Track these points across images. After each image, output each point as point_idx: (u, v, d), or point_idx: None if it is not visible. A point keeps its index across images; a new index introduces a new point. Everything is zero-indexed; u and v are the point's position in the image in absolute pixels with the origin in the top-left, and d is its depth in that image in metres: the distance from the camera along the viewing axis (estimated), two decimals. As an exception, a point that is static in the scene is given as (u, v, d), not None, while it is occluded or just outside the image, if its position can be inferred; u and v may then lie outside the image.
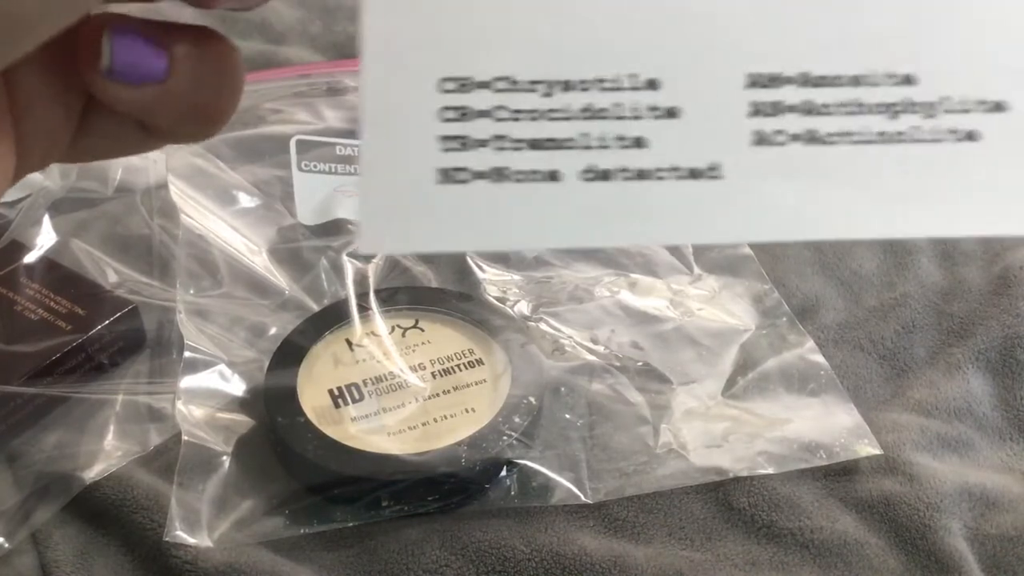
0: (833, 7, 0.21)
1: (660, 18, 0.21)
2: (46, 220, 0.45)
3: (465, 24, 0.20)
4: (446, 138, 0.20)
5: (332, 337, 0.40)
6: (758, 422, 0.38)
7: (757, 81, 0.21)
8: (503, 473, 0.36)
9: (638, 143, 0.20)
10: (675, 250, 0.46)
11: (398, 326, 0.41)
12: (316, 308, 0.42)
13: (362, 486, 0.35)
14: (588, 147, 0.20)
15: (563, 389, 0.39)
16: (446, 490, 0.35)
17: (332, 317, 0.41)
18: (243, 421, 0.38)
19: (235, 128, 0.51)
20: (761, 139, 0.20)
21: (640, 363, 0.41)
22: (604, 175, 0.20)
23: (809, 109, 0.21)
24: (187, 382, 0.38)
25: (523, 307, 0.43)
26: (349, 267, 0.43)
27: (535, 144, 0.20)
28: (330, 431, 0.36)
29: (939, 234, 0.21)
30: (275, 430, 0.36)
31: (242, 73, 0.22)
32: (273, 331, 0.41)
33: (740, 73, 0.21)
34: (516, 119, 0.20)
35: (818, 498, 0.36)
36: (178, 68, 0.20)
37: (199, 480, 0.35)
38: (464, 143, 0.20)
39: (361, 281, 0.43)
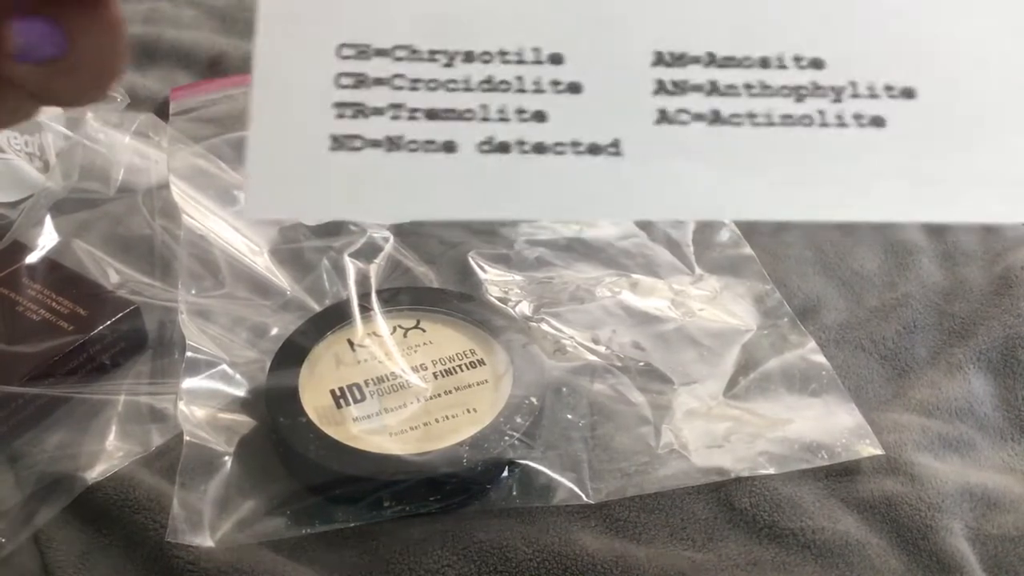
0: None
1: None
2: (48, 221, 0.45)
3: None
4: (341, 105, 0.20)
5: (334, 337, 0.40)
6: (760, 422, 0.38)
7: (663, 59, 0.21)
8: (505, 473, 0.36)
9: (538, 117, 0.20)
10: (676, 250, 0.46)
11: (400, 326, 0.41)
12: (318, 308, 0.42)
13: (364, 486, 0.35)
14: (487, 119, 0.20)
15: (565, 389, 0.39)
16: (448, 490, 0.35)
17: (334, 317, 0.41)
18: (245, 421, 0.38)
19: (236, 128, 0.51)
20: (664, 117, 0.20)
21: (641, 363, 0.41)
22: (502, 147, 0.20)
23: (714, 89, 0.21)
24: (189, 383, 0.38)
25: (524, 307, 0.43)
26: (351, 267, 0.43)
27: (432, 114, 0.20)
28: (332, 431, 0.36)
29: (838, 220, 0.21)
30: (277, 430, 0.36)
31: (127, 32, 0.22)
32: (275, 331, 0.41)
33: (646, 51, 0.21)
34: (414, 88, 0.20)
35: (820, 498, 0.36)
36: (76, 41, 0.21)
37: (201, 481, 0.35)
38: (359, 110, 0.20)
39: (363, 281, 0.43)
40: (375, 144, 0.20)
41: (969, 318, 0.43)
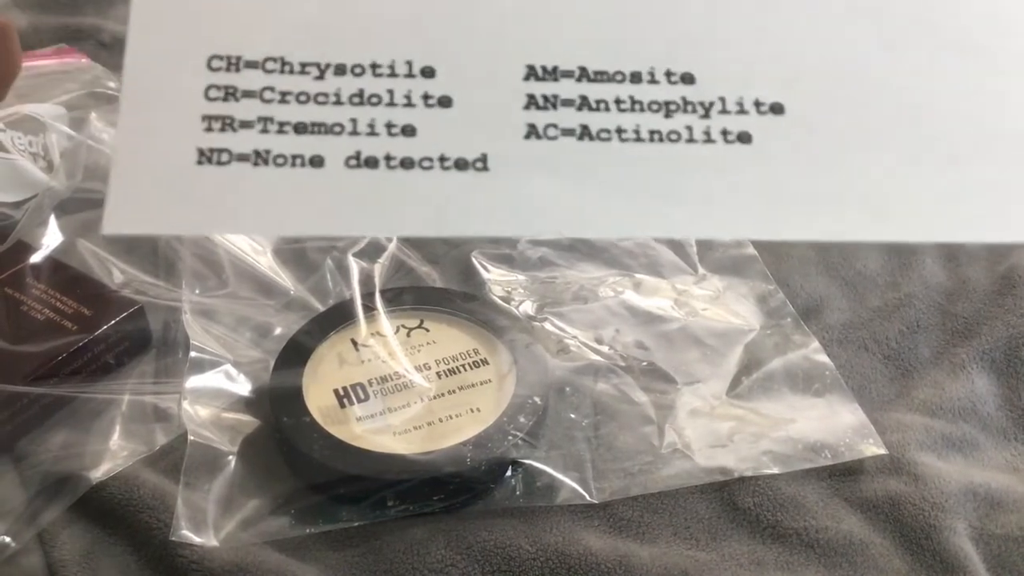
0: (615, 3, 0.21)
1: (441, 6, 0.20)
2: (52, 220, 0.45)
3: (238, 2, 0.20)
4: (209, 117, 0.19)
5: (337, 337, 0.40)
6: (763, 422, 0.38)
7: (535, 73, 0.20)
8: (508, 473, 0.36)
9: (407, 131, 0.20)
10: (679, 250, 0.46)
11: (403, 326, 0.41)
12: (321, 308, 0.42)
13: (367, 486, 0.35)
14: (356, 133, 0.20)
15: (568, 389, 0.39)
16: (451, 490, 0.35)
17: (337, 317, 0.41)
18: (249, 421, 0.38)
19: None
20: (534, 132, 0.20)
21: (645, 363, 0.41)
22: (369, 162, 0.20)
23: (584, 104, 0.20)
24: (193, 382, 0.38)
25: (528, 307, 0.43)
26: (354, 267, 0.44)
27: (301, 128, 0.20)
28: (335, 431, 0.36)
29: (705, 236, 0.21)
30: (281, 430, 0.36)
31: (16, 40, 0.22)
32: (278, 331, 0.41)
33: (519, 64, 0.20)
34: (284, 101, 0.20)
35: (823, 498, 0.36)
36: None
37: (205, 480, 0.35)
38: (228, 123, 0.19)
39: (366, 281, 0.43)
40: (243, 158, 0.19)
41: (972, 318, 0.43)
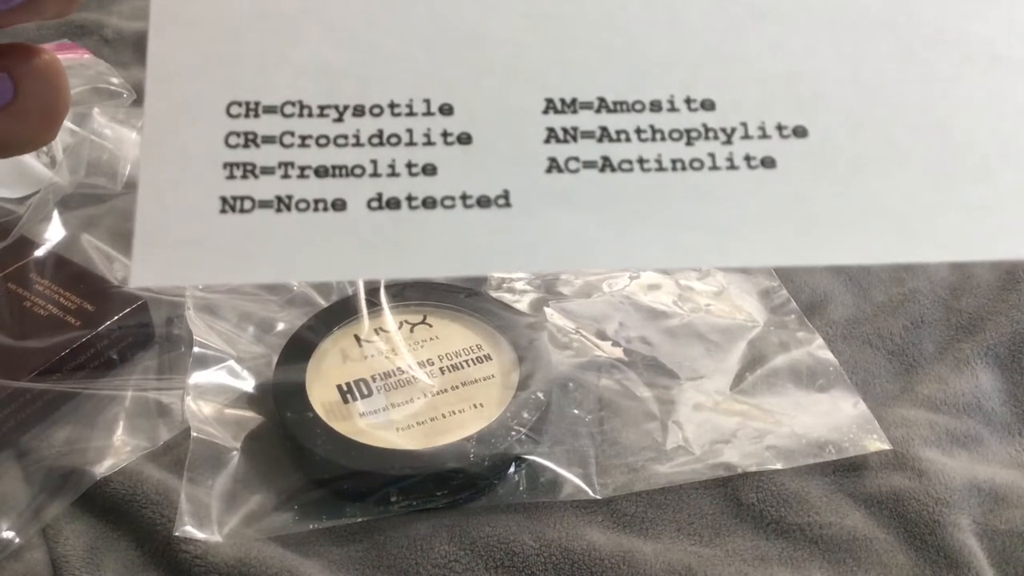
0: (632, 31, 0.21)
1: (457, 42, 0.20)
2: (55, 216, 0.45)
3: (254, 47, 0.20)
4: (231, 165, 0.19)
5: (341, 333, 0.40)
6: (766, 418, 0.38)
7: (554, 106, 0.20)
8: (512, 469, 0.36)
9: (428, 170, 0.20)
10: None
11: (406, 322, 0.41)
12: (324, 304, 0.42)
13: (371, 481, 0.35)
14: (376, 174, 0.19)
15: (571, 384, 0.39)
16: (455, 485, 0.35)
17: (341, 313, 0.41)
18: (252, 417, 0.38)
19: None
20: (555, 166, 0.20)
21: (648, 358, 0.41)
22: (391, 203, 0.19)
23: (605, 135, 0.20)
24: (196, 378, 0.38)
25: (531, 302, 0.43)
26: (357, 263, 0.43)
27: (322, 171, 0.19)
28: (339, 426, 0.36)
29: (733, 265, 0.20)
30: (284, 425, 0.36)
31: (66, 76, 0.22)
32: (282, 327, 0.41)
33: (537, 98, 0.20)
34: (304, 145, 0.19)
35: (827, 493, 0.36)
36: (21, 88, 0.21)
37: (208, 475, 0.36)
38: (250, 170, 0.19)
39: (369, 277, 0.43)
40: (265, 204, 0.19)
41: (976, 313, 0.43)
